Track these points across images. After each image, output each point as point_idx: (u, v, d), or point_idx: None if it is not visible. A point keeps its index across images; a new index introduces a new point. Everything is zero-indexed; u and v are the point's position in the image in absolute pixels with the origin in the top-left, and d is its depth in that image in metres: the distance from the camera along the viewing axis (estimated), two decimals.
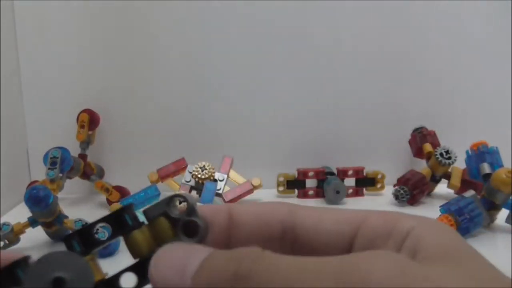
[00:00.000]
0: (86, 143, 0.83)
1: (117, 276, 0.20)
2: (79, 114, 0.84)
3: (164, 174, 0.78)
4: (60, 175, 0.69)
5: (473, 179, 0.78)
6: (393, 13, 0.87)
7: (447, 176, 0.82)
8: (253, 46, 0.87)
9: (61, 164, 0.69)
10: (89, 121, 0.84)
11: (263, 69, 0.88)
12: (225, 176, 0.79)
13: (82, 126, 0.83)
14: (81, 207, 0.82)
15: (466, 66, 0.89)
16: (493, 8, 0.87)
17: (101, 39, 0.86)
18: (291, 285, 0.17)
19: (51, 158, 0.69)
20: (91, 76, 0.87)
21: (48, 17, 0.85)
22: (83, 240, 0.21)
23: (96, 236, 0.21)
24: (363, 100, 0.89)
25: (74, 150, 0.79)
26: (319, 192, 0.84)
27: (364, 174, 0.84)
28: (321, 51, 0.87)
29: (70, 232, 0.21)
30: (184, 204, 0.21)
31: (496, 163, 0.76)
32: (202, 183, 0.76)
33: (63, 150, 0.70)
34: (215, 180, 0.78)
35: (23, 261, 0.20)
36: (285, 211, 0.23)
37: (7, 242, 0.62)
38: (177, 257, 0.19)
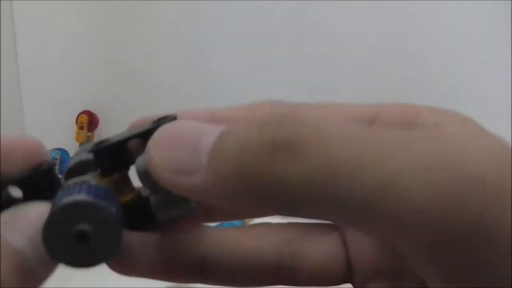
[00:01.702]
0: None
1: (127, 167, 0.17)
2: (78, 116, 0.84)
3: None
4: (59, 176, 0.69)
5: None
6: (393, 14, 0.87)
7: None
8: (253, 55, 0.87)
9: (60, 165, 0.69)
10: (88, 122, 0.84)
11: (262, 77, 0.88)
12: None
13: (81, 128, 0.83)
14: None
15: (466, 67, 0.89)
16: (493, 8, 0.87)
17: (101, 41, 0.86)
18: (359, 152, 0.13)
19: None
20: (90, 78, 0.87)
21: (48, 18, 0.85)
22: (114, 156, 0.17)
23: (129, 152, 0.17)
24: (362, 101, 0.89)
25: (73, 151, 0.79)
26: None
27: None
28: (320, 56, 0.87)
29: (101, 144, 0.17)
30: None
31: None
32: None
33: (62, 151, 0.70)
34: None
35: (47, 170, 0.18)
36: (283, 112, 0.18)
37: None
38: (185, 132, 0.15)
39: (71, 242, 0.15)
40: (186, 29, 0.86)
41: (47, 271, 0.16)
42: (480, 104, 0.90)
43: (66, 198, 0.15)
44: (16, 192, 0.17)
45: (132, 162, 0.17)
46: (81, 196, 0.15)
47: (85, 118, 0.84)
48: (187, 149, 0.14)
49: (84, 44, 0.86)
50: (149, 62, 0.87)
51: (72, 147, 0.79)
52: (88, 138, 0.84)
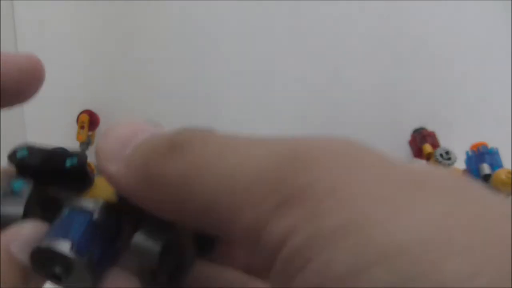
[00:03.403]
0: (86, 144, 0.83)
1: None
2: (79, 115, 0.84)
3: None
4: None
5: None
6: (393, 12, 0.87)
7: None
8: (253, 56, 0.87)
9: None
10: (89, 121, 0.84)
11: (261, 75, 0.88)
12: None
13: (82, 127, 0.83)
14: None
15: (466, 67, 0.89)
16: (494, 8, 0.87)
17: (102, 40, 0.86)
18: (223, 152, 0.15)
19: None
20: (91, 77, 0.87)
21: (48, 17, 0.85)
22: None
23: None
24: (362, 101, 0.89)
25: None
26: None
27: None
28: (320, 52, 0.87)
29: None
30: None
31: (496, 164, 0.76)
32: None
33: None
34: None
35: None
36: None
37: None
38: (125, 131, 0.17)
39: (47, 275, 0.17)
40: (188, 29, 0.86)
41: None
42: (480, 103, 0.90)
43: (48, 240, 0.17)
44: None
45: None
46: (60, 246, 0.17)
47: (85, 117, 0.84)
48: (122, 142, 0.17)
49: (85, 43, 0.86)
50: (150, 61, 0.87)
51: (73, 146, 0.79)
52: (89, 138, 0.84)
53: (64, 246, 0.16)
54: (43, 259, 0.17)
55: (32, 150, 0.19)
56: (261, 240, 0.13)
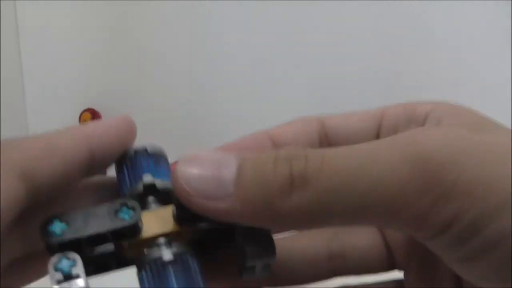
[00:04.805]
0: None
1: None
2: (81, 114, 0.84)
3: None
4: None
5: None
6: (393, 11, 0.87)
7: None
8: (254, 55, 0.87)
9: None
10: (92, 120, 0.84)
11: (262, 74, 0.88)
12: None
13: None
14: None
15: (465, 66, 0.89)
16: (494, 7, 0.87)
17: (103, 39, 0.86)
18: (355, 174, 0.16)
19: None
20: (93, 76, 0.87)
21: (51, 16, 0.85)
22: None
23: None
24: (363, 99, 0.89)
25: None
26: None
27: None
28: (321, 51, 0.87)
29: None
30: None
31: None
32: None
33: None
34: None
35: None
36: (315, 124, 0.23)
37: None
38: (206, 163, 0.17)
39: None
40: (190, 29, 0.86)
41: None
42: (480, 103, 0.90)
43: None
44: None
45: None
46: None
47: (88, 116, 0.84)
48: (212, 180, 0.17)
49: (87, 42, 0.86)
50: (152, 61, 0.87)
51: None
52: None
53: None
54: None
55: (68, 220, 0.17)
56: (422, 228, 0.16)
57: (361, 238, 0.22)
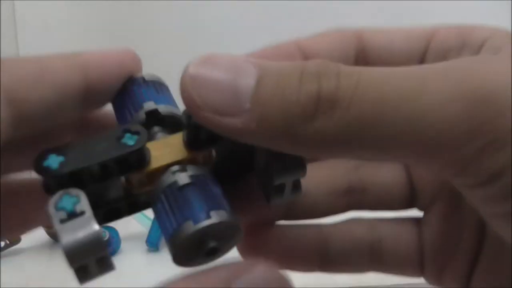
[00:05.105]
0: None
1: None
2: None
3: None
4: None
5: None
6: (393, 10, 0.87)
7: None
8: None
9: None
10: None
11: None
12: None
13: None
14: None
15: None
16: (494, 7, 0.87)
17: (104, 39, 0.86)
18: (394, 103, 0.14)
19: None
20: None
21: (50, 17, 0.85)
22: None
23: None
24: None
25: None
26: None
27: None
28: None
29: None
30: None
31: None
32: None
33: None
34: None
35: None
36: (353, 38, 0.20)
37: (7, 242, 0.62)
38: (222, 72, 0.15)
39: (201, 256, 0.15)
40: (190, 30, 0.86)
41: None
42: None
43: (191, 224, 0.14)
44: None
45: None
46: (209, 221, 0.15)
47: None
48: (227, 90, 0.15)
49: (87, 42, 0.86)
50: (152, 58, 0.86)
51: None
52: None
53: (221, 215, 0.15)
54: (196, 243, 0.15)
55: (65, 152, 0.15)
56: (465, 174, 0.14)
57: (384, 173, 0.20)
